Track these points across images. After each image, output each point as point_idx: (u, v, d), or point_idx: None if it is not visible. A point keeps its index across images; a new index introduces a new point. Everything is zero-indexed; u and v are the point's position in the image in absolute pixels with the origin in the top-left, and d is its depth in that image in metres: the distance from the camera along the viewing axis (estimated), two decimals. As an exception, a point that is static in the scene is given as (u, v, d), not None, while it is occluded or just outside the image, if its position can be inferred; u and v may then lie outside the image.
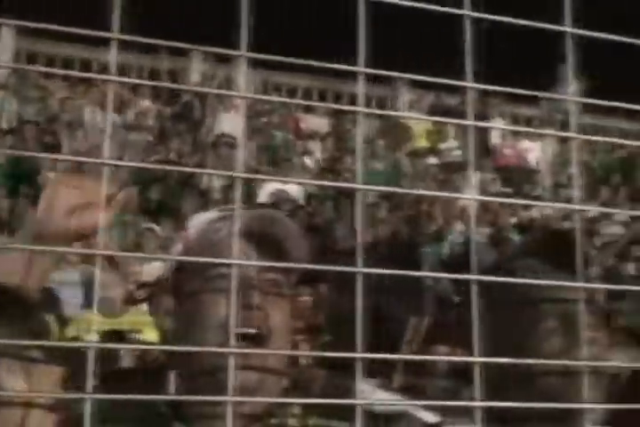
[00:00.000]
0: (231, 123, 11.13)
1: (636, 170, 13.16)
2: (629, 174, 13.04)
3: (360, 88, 0.92)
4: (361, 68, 0.92)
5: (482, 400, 0.93)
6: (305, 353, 1.05)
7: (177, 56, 13.17)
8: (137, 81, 0.80)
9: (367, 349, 1.50)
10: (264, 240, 1.15)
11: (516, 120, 14.47)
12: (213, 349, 0.93)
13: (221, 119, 11.15)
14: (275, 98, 3.88)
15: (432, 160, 11.42)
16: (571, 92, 13.36)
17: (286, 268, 1.19)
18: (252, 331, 1.08)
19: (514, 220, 10.06)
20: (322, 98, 13.16)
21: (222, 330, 1.00)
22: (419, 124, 11.51)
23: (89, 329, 5.62)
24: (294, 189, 9.04)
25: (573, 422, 1.23)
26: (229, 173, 0.71)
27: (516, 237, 9.32)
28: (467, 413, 1.06)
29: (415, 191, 7.64)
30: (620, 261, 9.69)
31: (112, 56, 0.77)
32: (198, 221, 1.24)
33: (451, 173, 11.25)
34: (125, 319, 5.93)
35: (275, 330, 1.11)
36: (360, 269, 0.87)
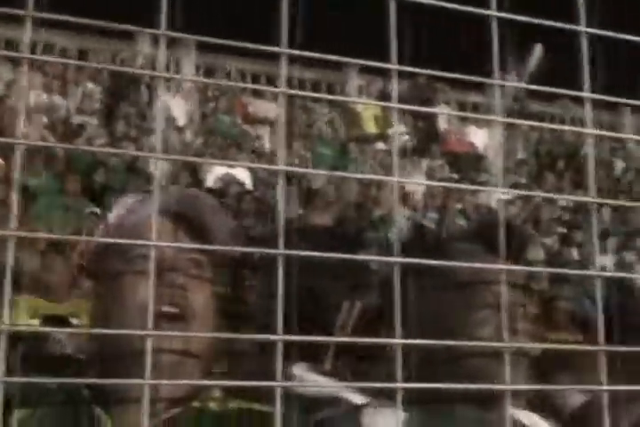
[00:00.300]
0: (177, 107, 11.04)
1: (579, 157, 13.36)
2: (573, 160, 13.23)
3: (283, 70, 0.91)
4: (283, 50, 0.91)
5: (404, 382, 0.94)
6: (223, 335, 1.04)
7: (124, 39, 13.01)
8: (69, 61, 0.79)
9: (301, 332, 1.50)
10: (187, 220, 1.14)
11: (462, 106, 14.56)
12: (129, 331, 0.92)
13: (168, 103, 11.05)
14: (223, 81, 3.85)
15: (380, 145, 11.45)
16: (512, 79, 13.47)
17: (210, 249, 1.18)
18: (173, 310, 1.07)
19: (460, 205, 10.15)
20: (270, 83, 13.10)
21: (143, 311, 0.99)
22: (367, 109, 11.52)
23: (35, 314, 5.57)
24: (242, 174, 9.01)
25: (501, 405, 1.24)
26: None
27: (462, 222, 9.41)
28: (405, 394, 1.06)
29: (361, 176, 7.67)
30: (563, 247, 9.85)
31: (26, 34, 0.75)
32: (122, 202, 1.22)
33: (398, 158, 11.28)
34: (67, 304, 5.87)
35: (196, 311, 1.10)
36: (281, 251, 0.87)
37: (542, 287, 8.31)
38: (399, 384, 0.89)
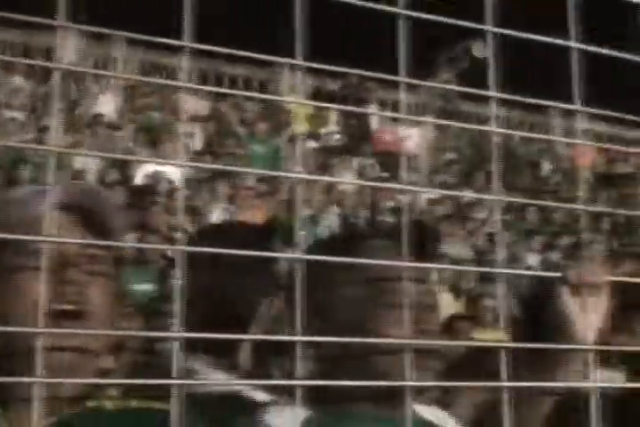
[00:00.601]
0: (108, 103, 10.90)
1: (508, 157, 13.57)
2: (502, 161, 13.43)
3: (185, 62, 0.90)
4: (186, 43, 0.90)
5: (304, 379, 0.93)
6: (120, 332, 1.03)
7: (54, 34, 12.77)
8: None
9: (209, 329, 1.48)
10: (83, 214, 1.12)
11: (395, 106, 14.66)
12: (19, 329, 0.90)
13: (98, 99, 10.91)
14: (152, 79, 3.81)
15: (312, 144, 11.46)
16: (445, 79, 13.62)
17: (108, 244, 1.16)
18: (71, 308, 1.05)
19: (390, 204, 10.23)
20: (203, 80, 13.01)
21: (38, 309, 0.97)
22: (299, 108, 11.52)
23: None
24: (171, 171, 8.93)
25: (401, 400, 1.25)
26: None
27: (390, 220, 9.50)
28: (306, 392, 1.06)
29: (293, 175, 7.63)
30: (491, 246, 9.99)
31: None
32: (16, 195, 1.19)
33: (330, 157, 11.33)
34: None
35: (95, 309, 1.08)
36: (183, 247, 0.86)
37: (470, 286, 8.44)
38: (298, 382, 0.88)
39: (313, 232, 8.18)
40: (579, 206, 1.16)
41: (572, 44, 1.12)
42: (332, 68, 1.14)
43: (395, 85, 1.14)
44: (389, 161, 12.48)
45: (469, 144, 14.63)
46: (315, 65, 1.28)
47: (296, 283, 0.91)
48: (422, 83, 1.30)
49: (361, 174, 11.37)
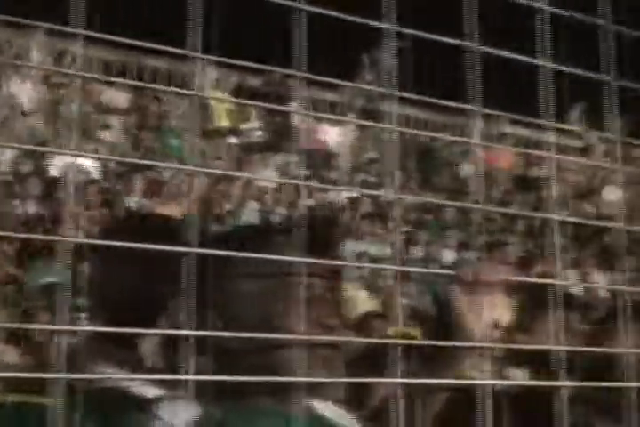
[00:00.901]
0: (25, 93, 10.66)
1: (429, 158, 13.75)
2: (423, 161, 13.58)
3: (79, 49, 0.88)
4: (79, 30, 0.88)
5: (195, 374, 0.92)
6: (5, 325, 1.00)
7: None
8: None
9: (115, 323, 1.45)
10: None
11: (317, 105, 14.69)
12: None
13: (15, 89, 10.66)
14: (71, 70, 3.74)
15: (232, 140, 11.41)
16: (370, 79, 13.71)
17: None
18: None
19: (310, 201, 10.25)
20: (123, 72, 12.83)
21: None
22: (220, 102, 11.46)
23: None
24: (88, 163, 8.78)
25: (311, 397, 1.25)
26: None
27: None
28: (206, 387, 1.05)
29: (214, 171, 7.58)
30: (408, 245, 10.09)
31: None
32: None
33: (251, 153, 11.30)
34: None
35: None
36: (62, 238, 0.84)
37: (386, 284, 8.51)
38: (189, 376, 0.88)
39: (231, 227, 8.13)
40: (495, 209, 1.18)
41: (470, 44, 1.14)
42: (232, 61, 1.13)
43: (318, 84, 1.14)
44: (310, 159, 12.51)
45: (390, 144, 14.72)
46: (220, 59, 1.27)
47: (185, 277, 0.90)
48: (328, 80, 1.30)
49: (282, 171, 11.36)
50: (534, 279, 1.35)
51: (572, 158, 11.70)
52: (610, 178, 15.28)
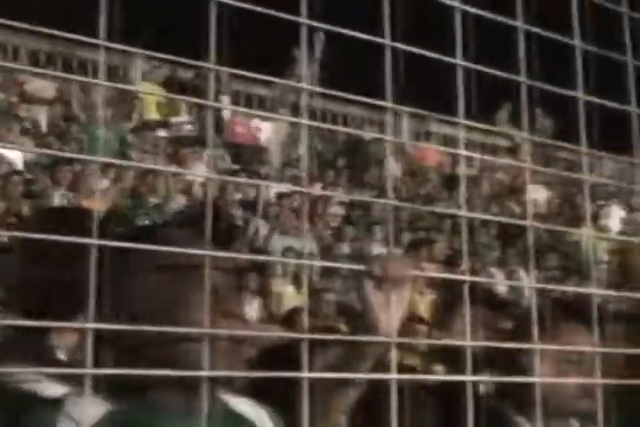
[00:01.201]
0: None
1: (358, 155, 13.82)
2: (352, 159, 13.66)
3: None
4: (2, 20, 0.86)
5: (94, 368, 0.91)
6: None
7: None
8: None
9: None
10: None
11: (249, 99, 14.65)
12: None
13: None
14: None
15: (162, 133, 11.30)
16: (304, 74, 13.72)
17: None
18: None
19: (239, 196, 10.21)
20: (50, 61, 12.60)
21: None
22: (150, 95, 11.33)
23: None
24: (11, 154, 8.60)
25: (214, 391, 1.25)
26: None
27: (239, 213, 9.49)
28: (99, 382, 1.03)
29: (141, 165, 7.51)
30: (336, 241, 10.14)
31: None
32: None
33: (181, 147, 11.20)
34: None
35: None
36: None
37: (313, 280, 8.53)
38: (88, 370, 0.86)
39: (159, 221, 8.06)
40: (422, 207, 1.19)
41: (387, 42, 1.14)
42: (160, 55, 1.12)
43: (249, 78, 1.14)
44: (241, 153, 12.47)
45: (321, 140, 14.80)
46: (147, 52, 1.26)
47: (91, 270, 0.88)
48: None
49: (211, 166, 11.29)
50: (446, 275, 1.37)
51: (480, 155, 11.85)
52: (535, 178, 15.57)
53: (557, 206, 14.92)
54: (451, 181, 14.32)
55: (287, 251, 8.58)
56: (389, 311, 1.24)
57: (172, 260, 1.17)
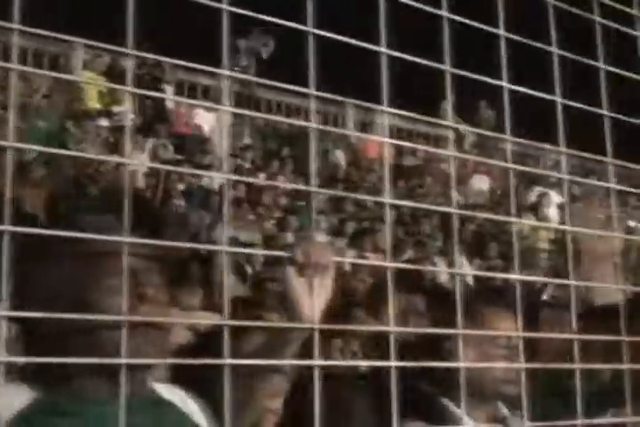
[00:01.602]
0: None
1: (301, 145, 13.81)
2: (296, 148, 13.65)
3: None
4: None
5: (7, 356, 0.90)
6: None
7: None
8: None
9: None
10: None
11: (193, 88, 14.54)
12: None
13: None
14: None
15: (103, 122, 11.15)
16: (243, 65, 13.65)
17: None
18: None
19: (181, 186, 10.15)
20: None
21: None
22: (91, 84, 11.19)
23: None
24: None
25: (135, 378, 1.24)
26: None
27: (182, 203, 9.44)
28: (25, 371, 1.01)
29: (82, 155, 7.40)
30: (280, 231, 10.14)
31: None
32: None
33: (122, 136, 11.07)
34: None
35: None
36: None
37: (257, 270, 8.53)
38: (2, 358, 0.85)
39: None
40: (366, 197, 1.19)
41: (309, 29, 1.14)
42: (102, 44, 1.11)
43: (194, 68, 1.13)
44: (184, 143, 12.38)
45: (265, 131, 14.78)
46: (88, 41, 1.24)
47: (3, 255, 0.87)
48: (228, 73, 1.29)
49: (154, 156, 11.20)
50: (369, 262, 1.37)
51: (423, 147, 11.92)
52: (478, 168, 15.75)
53: (499, 196, 15.11)
54: (395, 172, 14.40)
55: (231, 241, 8.55)
56: (312, 297, 1.25)
57: (91, 246, 1.16)
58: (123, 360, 0.92)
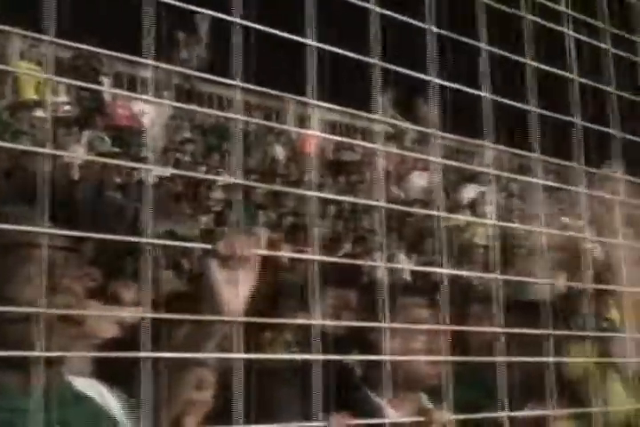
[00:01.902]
0: None
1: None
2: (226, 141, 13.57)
3: None
4: None
5: None
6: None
7: None
8: None
9: None
10: None
11: (132, 80, 14.37)
12: None
13: None
14: None
15: (39, 113, 10.95)
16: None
17: None
18: None
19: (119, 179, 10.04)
20: None
21: None
22: (27, 74, 11.00)
23: None
24: None
25: (50, 372, 1.22)
26: None
27: (118, 196, 9.34)
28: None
29: (17, 146, 7.24)
30: (217, 226, 10.10)
31: None
32: None
33: (59, 128, 10.90)
34: None
35: None
36: None
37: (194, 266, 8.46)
38: None
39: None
40: (307, 192, 1.18)
41: (236, 19, 1.14)
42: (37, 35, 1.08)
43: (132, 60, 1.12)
44: (122, 136, 12.23)
45: (205, 125, 14.68)
46: (24, 32, 1.21)
47: None
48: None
49: (91, 148, 11.05)
50: (291, 255, 1.38)
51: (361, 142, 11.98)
52: (418, 164, 15.86)
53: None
54: (334, 167, 14.45)
55: (167, 235, 8.47)
56: (235, 290, 1.24)
57: (5, 237, 1.14)
58: (35, 353, 0.90)
